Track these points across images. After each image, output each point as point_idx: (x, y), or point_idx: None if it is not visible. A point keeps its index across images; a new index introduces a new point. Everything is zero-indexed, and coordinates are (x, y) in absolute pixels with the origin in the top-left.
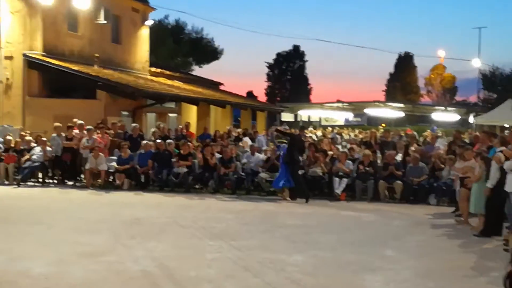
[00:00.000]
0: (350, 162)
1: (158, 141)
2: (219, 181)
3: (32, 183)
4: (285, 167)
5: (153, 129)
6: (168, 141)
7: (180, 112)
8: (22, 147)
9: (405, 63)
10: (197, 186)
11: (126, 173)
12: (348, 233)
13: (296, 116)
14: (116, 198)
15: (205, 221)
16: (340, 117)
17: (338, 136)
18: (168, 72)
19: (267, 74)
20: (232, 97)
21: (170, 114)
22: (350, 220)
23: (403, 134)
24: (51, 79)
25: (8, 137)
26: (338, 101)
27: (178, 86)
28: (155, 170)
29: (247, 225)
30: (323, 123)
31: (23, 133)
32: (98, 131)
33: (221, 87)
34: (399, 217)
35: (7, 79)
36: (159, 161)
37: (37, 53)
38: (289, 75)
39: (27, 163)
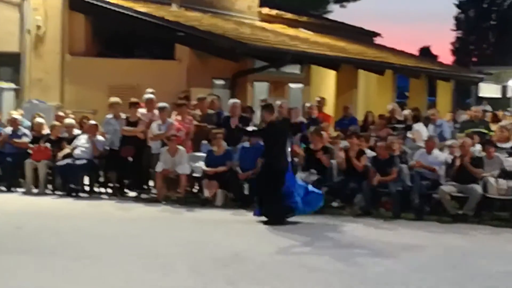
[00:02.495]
0: None
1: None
2: (372, 196)
3: (74, 193)
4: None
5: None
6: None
7: (309, 81)
8: (59, 136)
9: None
10: (335, 204)
11: (220, 179)
12: None
13: (504, 88)
14: (204, 219)
15: (347, 262)
16: None
17: None
18: (289, 16)
19: (456, 19)
20: (396, 57)
21: (291, 85)
22: None
23: None
24: (104, 28)
25: (39, 120)
26: None
27: (305, 38)
28: None
29: (420, 272)
30: None
31: (61, 113)
32: (177, 111)
33: (377, 40)
34: None
35: (38, 27)
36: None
37: None
38: (493, 19)
39: (67, 160)
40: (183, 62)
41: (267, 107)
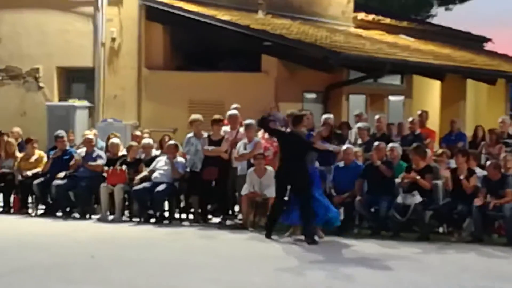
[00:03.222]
0: None
1: (376, 143)
2: (483, 221)
3: (152, 220)
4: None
5: (359, 124)
6: (391, 145)
7: (410, 92)
8: (136, 157)
9: None
10: (440, 230)
11: None
12: None
13: None
14: (296, 253)
15: None
16: None
17: None
18: (387, 21)
19: None
20: (509, 64)
21: (391, 97)
22: None
23: None
24: (184, 39)
25: (114, 140)
26: None
27: (406, 45)
28: (365, 199)
29: None
30: None
31: (138, 133)
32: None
33: (487, 46)
34: None
35: (113, 39)
36: (374, 183)
37: None
38: None
39: (144, 184)
40: (270, 74)
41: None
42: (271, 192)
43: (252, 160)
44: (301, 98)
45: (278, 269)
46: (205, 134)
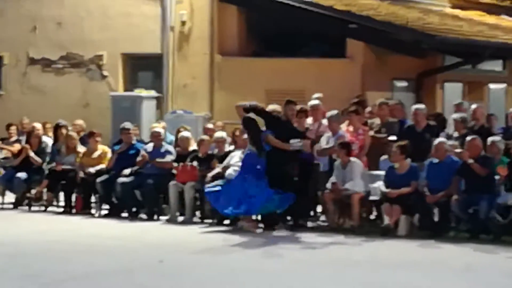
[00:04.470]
0: None
1: (468, 138)
2: None
3: (226, 221)
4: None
5: (454, 115)
6: (492, 139)
7: None
8: (208, 152)
9: None
10: None
11: (404, 203)
12: None
13: None
14: (384, 257)
15: None
16: None
17: None
18: (488, 0)
19: None
20: None
21: (492, 85)
22: None
23: None
24: (261, 22)
25: (185, 134)
26: None
27: (509, 27)
28: (463, 199)
29: None
30: None
31: (210, 126)
32: (349, 120)
33: None
34: None
35: (183, 23)
36: (472, 180)
37: None
38: None
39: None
40: (356, 60)
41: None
42: (354, 185)
43: (334, 153)
44: (391, 87)
45: (365, 277)
46: None
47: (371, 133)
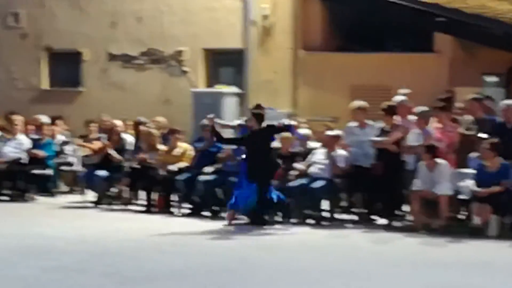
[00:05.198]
0: None
1: None
2: None
3: (311, 220)
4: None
5: None
6: None
7: None
8: (291, 150)
9: None
10: None
11: (494, 202)
12: None
13: None
14: (472, 259)
15: None
16: None
17: None
18: None
19: None
20: None
21: None
22: None
23: None
24: (345, 16)
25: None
26: None
27: None
28: None
29: None
30: None
31: (293, 122)
32: (437, 117)
33: None
34: None
35: (265, 17)
36: None
37: None
38: None
39: (301, 181)
40: (444, 55)
41: (257, 115)
42: (441, 189)
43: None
44: (480, 82)
45: (455, 280)
46: (372, 124)
47: (460, 130)
